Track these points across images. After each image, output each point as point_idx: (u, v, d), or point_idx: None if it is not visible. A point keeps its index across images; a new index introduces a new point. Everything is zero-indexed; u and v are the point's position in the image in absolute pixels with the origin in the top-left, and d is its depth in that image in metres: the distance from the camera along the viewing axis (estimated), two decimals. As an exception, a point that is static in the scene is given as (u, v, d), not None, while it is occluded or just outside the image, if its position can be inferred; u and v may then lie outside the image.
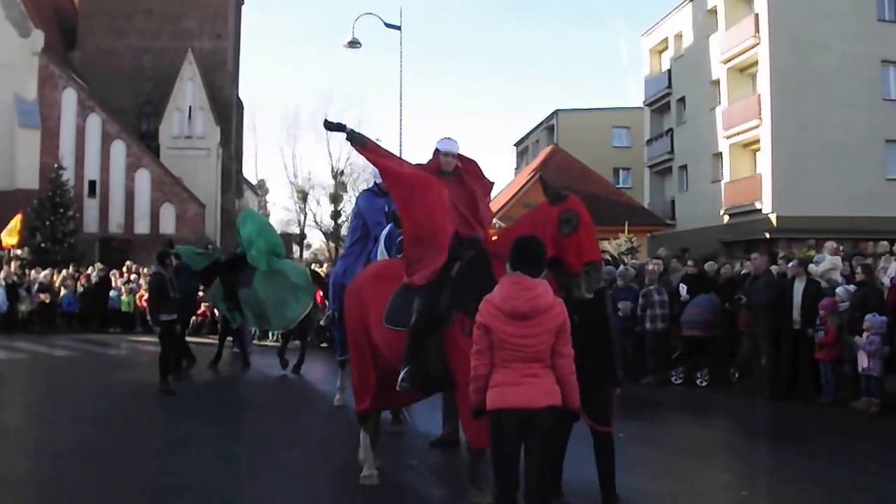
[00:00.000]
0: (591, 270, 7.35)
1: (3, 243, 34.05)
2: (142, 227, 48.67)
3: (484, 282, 7.10)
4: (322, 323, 13.27)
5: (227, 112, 54.94)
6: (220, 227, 50.54)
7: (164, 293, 15.08)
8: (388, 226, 11.08)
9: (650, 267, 18.63)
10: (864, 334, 13.89)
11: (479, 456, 7.54)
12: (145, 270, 31.07)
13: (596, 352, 7.55)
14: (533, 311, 6.14)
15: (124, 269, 32.79)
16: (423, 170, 8.59)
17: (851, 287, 15.14)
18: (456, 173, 8.72)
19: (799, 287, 15.41)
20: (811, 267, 16.30)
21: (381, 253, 10.93)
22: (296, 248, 64.30)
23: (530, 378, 6.15)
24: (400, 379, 7.70)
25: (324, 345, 24.01)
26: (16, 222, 34.66)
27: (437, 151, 8.76)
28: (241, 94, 61.08)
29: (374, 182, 12.50)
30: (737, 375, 16.84)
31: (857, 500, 8.74)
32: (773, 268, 16.87)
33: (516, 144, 79.13)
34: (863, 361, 13.96)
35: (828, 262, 16.67)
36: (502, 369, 6.20)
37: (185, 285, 17.15)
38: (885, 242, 36.87)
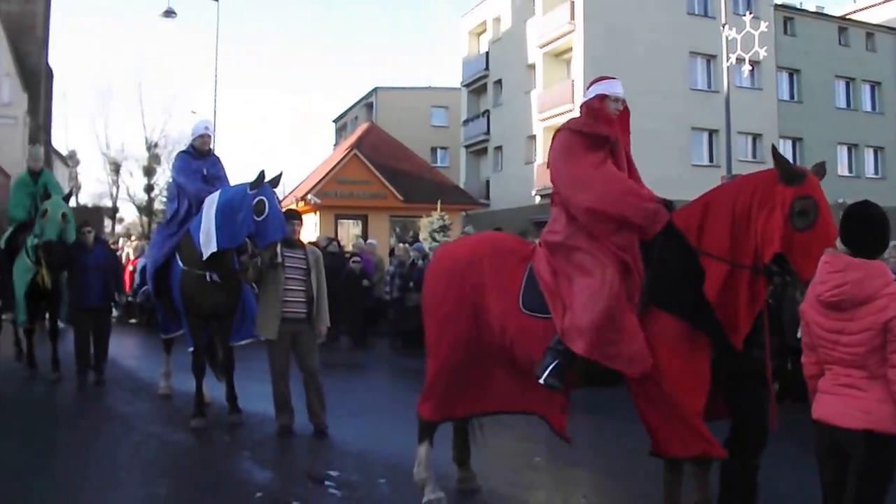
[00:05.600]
0: None
1: None
2: (-62, 198, 46.64)
3: (686, 266, 6.12)
4: (138, 300, 12.44)
5: (36, 79, 52.96)
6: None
7: None
8: (219, 193, 10.38)
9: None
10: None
11: (674, 468, 6.37)
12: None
13: None
14: (841, 299, 4.87)
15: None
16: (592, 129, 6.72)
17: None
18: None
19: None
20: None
21: (209, 221, 10.15)
22: (108, 221, 63.05)
23: (844, 388, 4.91)
24: (545, 374, 6.25)
25: (133, 321, 24.00)
26: None
27: (601, 96, 6.84)
28: (51, 61, 59.20)
29: (191, 143, 11.69)
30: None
31: (642, 462, 9.23)
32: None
33: (335, 120, 79.05)
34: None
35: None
36: (826, 372, 5.05)
37: (96, 259, 13.55)
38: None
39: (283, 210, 10.27)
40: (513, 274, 6.75)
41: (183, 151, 11.91)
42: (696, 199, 6.39)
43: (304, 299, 10.20)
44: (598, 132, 6.66)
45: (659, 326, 6.07)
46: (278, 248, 9.70)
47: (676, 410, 5.97)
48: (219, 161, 11.71)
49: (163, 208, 58.91)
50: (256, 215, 9.61)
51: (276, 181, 10.16)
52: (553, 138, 6.97)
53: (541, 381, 6.26)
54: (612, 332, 6.06)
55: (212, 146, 11.76)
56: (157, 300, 11.80)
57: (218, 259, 10.27)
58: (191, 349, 10.85)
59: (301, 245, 10.62)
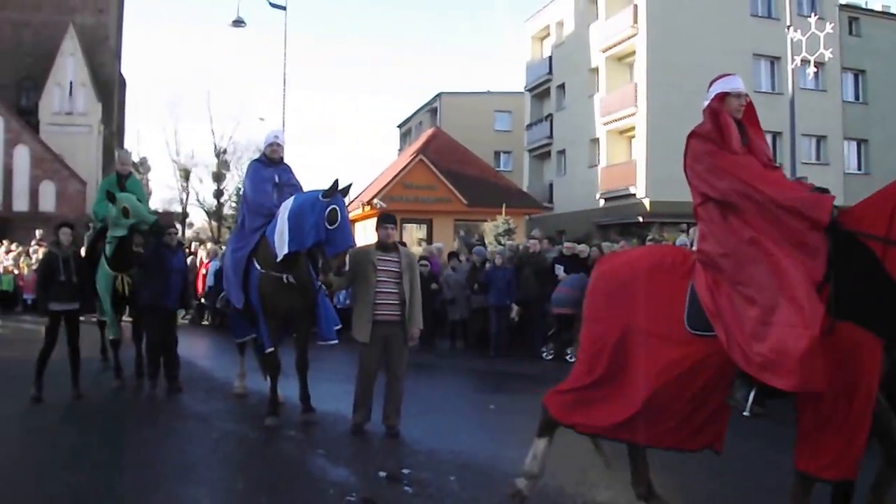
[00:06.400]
0: None
1: None
2: (20, 204, 47.90)
3: (872, 269, 5.60)
4: (218, 305, 12.51)
5: (109, 88, 54.22)
6: (101, 206, 49.90)
7: (52, 276, 12.42)
8: (294, 198, 10.47)
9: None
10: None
11: (811, 486, 5.91)
12: (19, 250, 30.83)
13: None
14: None
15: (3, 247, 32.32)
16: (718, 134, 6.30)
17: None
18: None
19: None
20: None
21: (283, 224, 10.24)
22: (178, 226, 63.96)
23: None
24: (751, 397, 5.81)
25: (205, 322, 24.62)
26: None
27: (720, 95, 6.50)
28: (123, 71, 60.33)
29: (262, 152, 11.85)
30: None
31: (711, 463, 9.32)
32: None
33: (400, 126, 79.45)
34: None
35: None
36: None
37: (179, 263, 13.65)
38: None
39: (380, 214, 10.29)
40: (675, 291, 6.32)
41: (255, 160, 12.05)
42: (873, 196, 5.92)
43: (397, 301, 10.17)
44: (730, 148, 6.25)
45: (852, 340, 5.55)
46: (347, 257, 9.82)
47: (860, 431, 5.59)
48: (290, 169, 11.76)
49: (232, 213, 59.86)
50: (329, 223, 9.72)
51: (346, 191, 10.20)
52: (686, 147, 6.54)
53: (745, 412, 5.86)
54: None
55: (283, 155, 11.78)
56: (235, 304, 11.73)
57: (292, 262, 10.42)
58: (268, 350, 10.93)
59: (395, 248, 10.55)
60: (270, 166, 11.49)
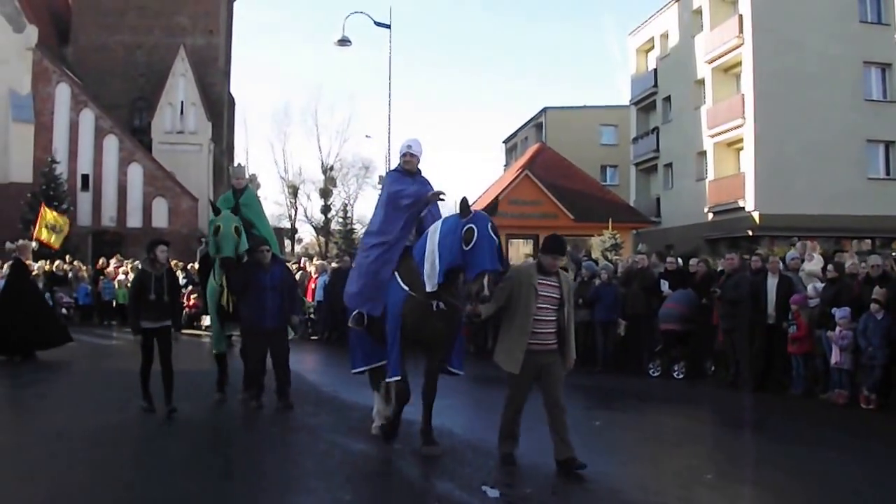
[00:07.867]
0: None
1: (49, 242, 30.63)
2: (134, 220, 49.26)
3: None
4: (350, 324, 11.64)
5: (219, 108, 55.51)
6: (212, 222, 50.92)
7: (143, 294, 12.40)
8: (441, 221, 9.84)
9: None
10: (837, 329, 14.14)
11: None
12: (133, 264, 31.08)
13: None
14: None
15: (112, 261, 32.98)
16: None
17: (820, 285, 15.59)
18: None
19: (772, 283, 15.81)
20: (804, 265, 16.82)
21: (433, 252, 9.58)
22: (287, 242, 64.98)
23: None
24: None
25: (314, 337, 24.89)
26: (54, 218, 31.54)
27: None
28: (232, 90, 61.52)
29: (399, 163, 11.11)
30: (712, 368, 17.44)
31: (812, 482, 9.23)
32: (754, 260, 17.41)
33: (505, 141, 79.64)
34: (835, 355, 14.20)
35: (817, 261, 17.14)
36: None
37: (277, 279, 13.16)
38: (869, 241, 37.75)
39: (548, 239, 9.59)
40: None
41: (393, 170, 11.61)
42: None
43: (553, 330, 9.39)
44: None
45: None
46: (485, 280, 8.87)
47: None
48: (427, 182, 11.09)
49: (339, 228, 60.39)
50: (465, 244, 9.09)
51: (492, 208, 9.72)
52: None
53: None
54: None
55: (418, 166, 11.16)
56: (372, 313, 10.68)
57: (443, 288, 9.68)
58: (394, 378, 10.09)
59: (556, 273, 9.48)
60: (407, 177, 10.97)
